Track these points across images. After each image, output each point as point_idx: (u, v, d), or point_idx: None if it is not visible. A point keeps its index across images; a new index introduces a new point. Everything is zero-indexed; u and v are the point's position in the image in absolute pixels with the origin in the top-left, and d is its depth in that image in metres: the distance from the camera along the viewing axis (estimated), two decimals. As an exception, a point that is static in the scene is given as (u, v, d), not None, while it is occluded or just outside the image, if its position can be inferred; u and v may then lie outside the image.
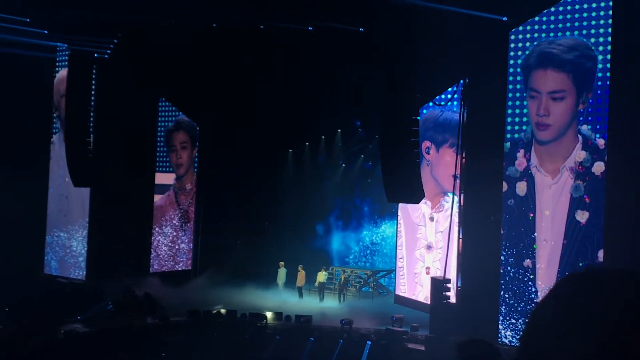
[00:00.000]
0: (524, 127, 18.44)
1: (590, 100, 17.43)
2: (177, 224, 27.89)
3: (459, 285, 19.99)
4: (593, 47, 17.36)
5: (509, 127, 18.72)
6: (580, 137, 17.50)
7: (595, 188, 17.22)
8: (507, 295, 18.38)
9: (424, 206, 22.91)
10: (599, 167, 17.14)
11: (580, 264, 17.22)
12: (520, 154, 18.45)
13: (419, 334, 20.14)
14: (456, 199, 20.45)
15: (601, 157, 17.18)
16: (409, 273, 24.10)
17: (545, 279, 17.65)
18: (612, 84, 17.03)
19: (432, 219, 22.98)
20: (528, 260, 18.18)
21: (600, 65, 17.30)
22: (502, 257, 18.56)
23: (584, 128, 17.44)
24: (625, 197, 16.54)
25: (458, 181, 20.39)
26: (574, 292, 1.55)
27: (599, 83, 17.32)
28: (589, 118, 17.41)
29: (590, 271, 1.58)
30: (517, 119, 18.62)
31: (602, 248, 16.99)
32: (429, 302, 20.82)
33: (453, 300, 20.03)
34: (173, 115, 28.01)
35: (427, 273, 22.77)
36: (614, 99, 17.02)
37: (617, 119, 16.99)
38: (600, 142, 17.17)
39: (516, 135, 18.56)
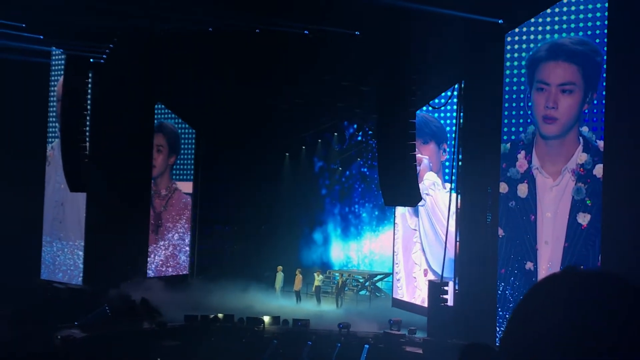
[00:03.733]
0: (524, 128, 18.40)
1: (595, 101, 17.40)
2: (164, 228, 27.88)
3: (457, 287, 19.96)
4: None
5: (511, 129, 18.65)
6: (581, 139, 17.48)
7: (596, 191, 17.14)
8: (510, 298, 18.33)
9: (420, 209, 22.85)
10: (600, 170, 17.09)
11: (582, 267, 17.16)
12: (521, 155, 18.40)
13: (417, 337, 20.12)
14: (453, 200, 20.44)
15: (602, 159, 17.13)
16: (407, 277, 23.96)
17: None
18: (608, 86, 17.04)
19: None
20: (530, 262, 18.14)
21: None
22: (503, 259, 18.53)
23: (585, 130, 17.41)
24: (623, 199, 16.53)
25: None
26: (549, 294, 1.55)
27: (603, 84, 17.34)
28: (594, 119, 17.39)
29: (568, 273, 1.57)
30: (520, 120, 18.52)
31: (603, 251, 16.97)
32: (426, 305, 20.79)
33: (451, 302, 20.00)
34: (170, 119, 28.02)
35: (425, 275, 22.70)
36: (611, 101, 17.01)
37: (614, 120, 16.98)
38: (601, 144, 17.11)
39: (515, 137, 18.52)
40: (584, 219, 17.32)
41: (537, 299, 1.58)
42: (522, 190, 18.37)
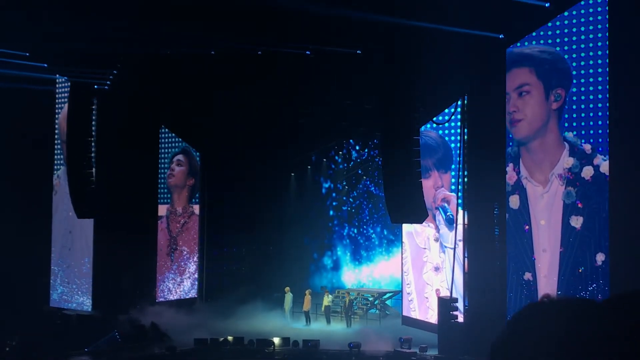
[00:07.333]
0: (510, 143, 18.64)
1: (567, 98, 17.59)
2: (182, 252, 27.85)
3: (467, 304, 19.87)
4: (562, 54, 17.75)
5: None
6: (566, 144, 17.64)
7: (586, 192, 17.38)
8: (512, 310, 18.27)
9: (428, 229, 22.77)
10: (588, 172, 17.31)
11: (580, 270, 17.26)
12: (510, 167, 18.66)
13: (428, 354, 20.01)
14: (459, 217, 20.40)
15: (589, 161, 17.33)
16: (418, 297, 23.66)
17: (547, 289, 17.59)
18: (611, 91, 17.06)
19: (436, 239, 22.78)
20: (528, 273, 18.19)
21: (596, 71, 17.36)
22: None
23: (570, 135, 17.61)
24: (629, 199, 16.57)
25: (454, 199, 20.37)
26: (531, 322, 1.55)
27: (583, 89, 17.45)
28: (574, 124, 17.57)
29: (546, 302, 1.57)
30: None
31: (599, 252, 17.06)
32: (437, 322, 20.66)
33: (461, 319, 19.90)
34: (175, 142, 28.09)
35: (438, 295, 22.48)
36: (614, 105, 17.04)
37: (617, 123, 17.00)
38: (587, 147, 17.38)
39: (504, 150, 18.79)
40: (576, 221, 17.47)
41: (516, 329, 1.59)
42: (514, 201, 18.55)
